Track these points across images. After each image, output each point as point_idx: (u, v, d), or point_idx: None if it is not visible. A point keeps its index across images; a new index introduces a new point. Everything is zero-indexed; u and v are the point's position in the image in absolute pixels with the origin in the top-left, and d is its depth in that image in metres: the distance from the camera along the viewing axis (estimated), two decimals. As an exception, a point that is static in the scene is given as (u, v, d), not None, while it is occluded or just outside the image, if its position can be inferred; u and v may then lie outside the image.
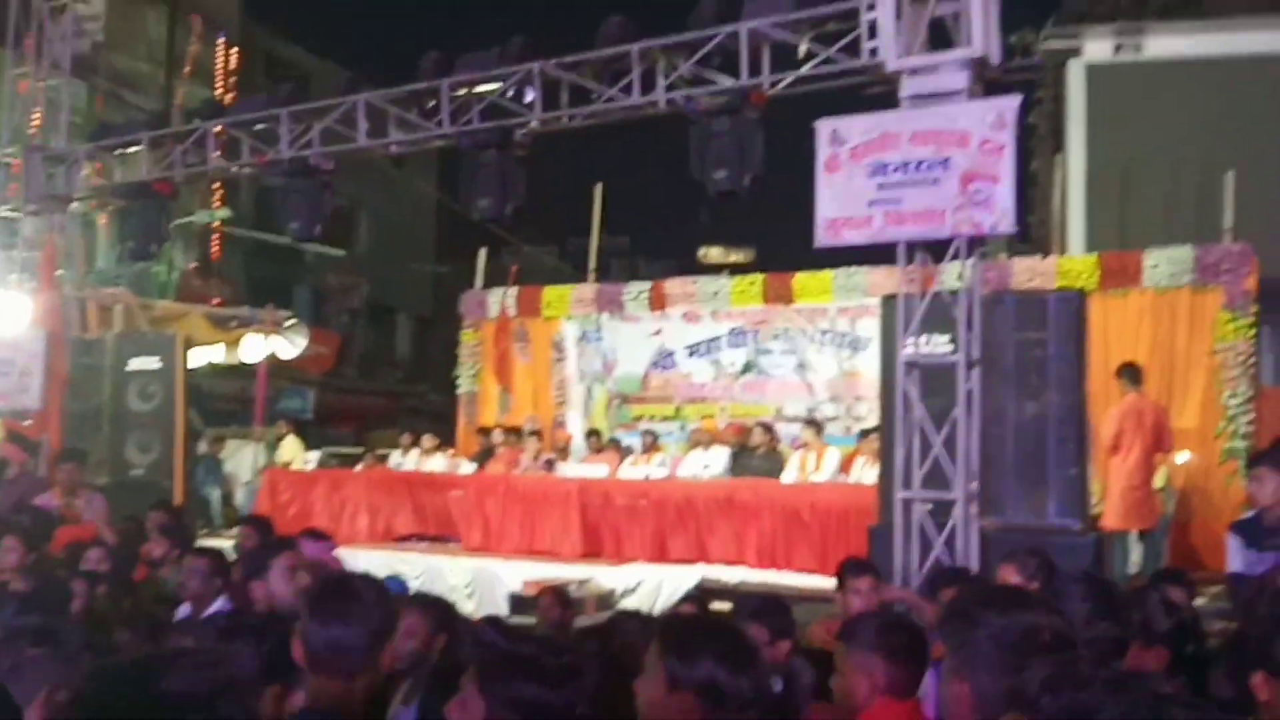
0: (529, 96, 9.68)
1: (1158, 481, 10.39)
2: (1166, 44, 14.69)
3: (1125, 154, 14.57)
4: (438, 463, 14.01)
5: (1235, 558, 5.53)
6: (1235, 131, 13.71)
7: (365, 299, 28.36)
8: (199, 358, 15.34)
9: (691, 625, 3.05)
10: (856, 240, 7.87)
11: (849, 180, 7.79)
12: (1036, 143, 18.88)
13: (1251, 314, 11.17)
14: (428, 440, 14.47)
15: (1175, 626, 3.69)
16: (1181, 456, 10.97)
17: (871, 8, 8.10)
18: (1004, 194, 7.43)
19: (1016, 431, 7.77)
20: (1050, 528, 7.57)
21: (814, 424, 12.25)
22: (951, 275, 8.00)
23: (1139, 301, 11.59)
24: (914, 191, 7.60)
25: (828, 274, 13.18)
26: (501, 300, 15.14)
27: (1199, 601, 6.06)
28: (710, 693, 2.57)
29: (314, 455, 16.32)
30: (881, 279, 12.21)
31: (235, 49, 23.57)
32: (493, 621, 3.46)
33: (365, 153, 11.05)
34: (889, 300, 8.41)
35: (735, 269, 16.28)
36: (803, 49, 8.57)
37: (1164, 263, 11.49)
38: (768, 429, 12.65)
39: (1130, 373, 9.93)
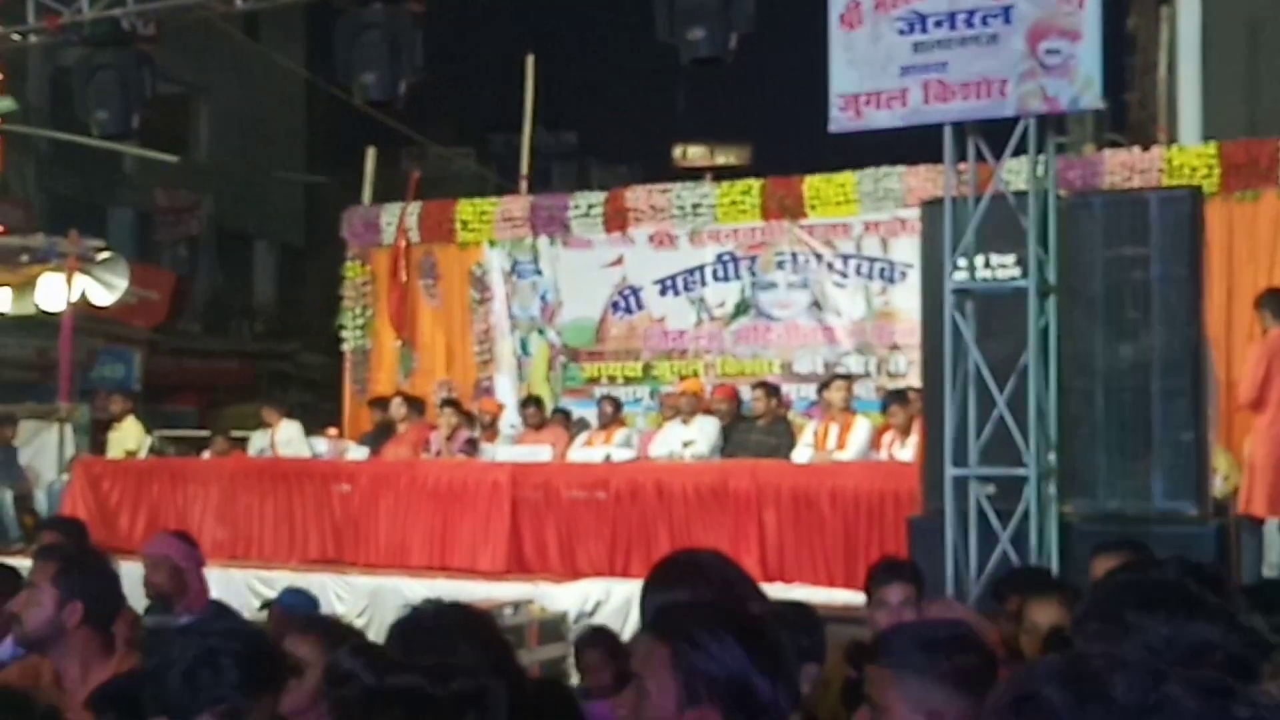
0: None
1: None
2: None
3: (1256, 6, 14.62)
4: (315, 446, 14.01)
5: None
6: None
7: (210, 223, 28.10)
8: (-22, 308, 15.19)
9: (703, 609, 2.78)
10: (886, 123, 7.88)
11: (874, 40, 7.79)
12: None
13: None
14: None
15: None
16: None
17: None
18: (1088, 56, 7.46)
19: (1108, 383, 7.86)
20: (1156, 514, 7.68)
21: (841, 380, 12.27)
22: (1018, 173, 8.02)
23: (1275, 207, 11.69)
24: (964, 54, 7.61)
25: (849, 177, 13.20)
26: (400, 219, 15.07)
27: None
28: (741, 699, 2.45)
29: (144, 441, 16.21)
30: (922, 182, 12.26)
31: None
32: (359, 650, 3.39)
33: (202, 12, 10.91)
34: (932, 207, 8.43)
35: (722, 173, 16.28)
36: None
37: (1309, 154, 11.60)
38: (772, 391, 12.70)
39: (1275, 302, 9.97)
